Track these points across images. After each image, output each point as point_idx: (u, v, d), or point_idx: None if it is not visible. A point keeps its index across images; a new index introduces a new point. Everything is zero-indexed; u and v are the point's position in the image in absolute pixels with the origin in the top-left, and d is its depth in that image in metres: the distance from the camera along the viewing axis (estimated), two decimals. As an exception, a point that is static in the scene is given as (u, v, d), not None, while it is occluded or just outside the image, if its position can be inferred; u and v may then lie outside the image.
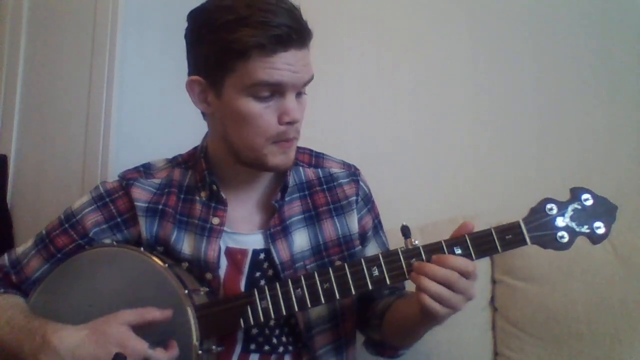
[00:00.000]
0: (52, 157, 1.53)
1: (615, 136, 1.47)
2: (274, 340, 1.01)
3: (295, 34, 0.89)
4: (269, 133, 0.93)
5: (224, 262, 1.01)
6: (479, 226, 1.43)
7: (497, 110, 1.60)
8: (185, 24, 0.98)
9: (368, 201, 1.13)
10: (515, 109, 1.58)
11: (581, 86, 1.52)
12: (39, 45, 1.59)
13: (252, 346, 1.00)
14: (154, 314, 0.88)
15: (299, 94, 0.96)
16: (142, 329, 0.88)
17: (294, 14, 0.90)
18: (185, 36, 0.98)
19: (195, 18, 0.95)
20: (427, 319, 0.89)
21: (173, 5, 1.64)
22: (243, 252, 1.02)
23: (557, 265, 1.31)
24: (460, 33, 1.66)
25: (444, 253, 0.87)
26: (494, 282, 1.42)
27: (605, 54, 1.50)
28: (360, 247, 1.09)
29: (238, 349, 0.99)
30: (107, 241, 1.03)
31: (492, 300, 1.42)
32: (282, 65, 0.89)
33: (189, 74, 0.98)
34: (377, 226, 1.14)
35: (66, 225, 1.03)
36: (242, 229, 1.03)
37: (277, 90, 0.91)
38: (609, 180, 1.45)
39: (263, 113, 0.92)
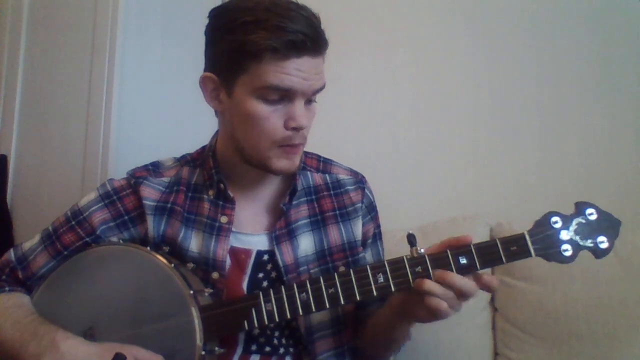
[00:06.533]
0: (52, 157, 1.53)
1: (615, 136, 1.48)
2: (275, 342, 1.01)
3: (311, 41, 0.89)
4: (274, 137, 0.93)
5: (227, 261, 1.01)
6: (478, 226, 1.45)
7: (497, 111, 1.61)
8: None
9: (372, 210, 1.13)
10: (515, 110, 1.59)
11: (581, 86, 1.52)
12: (39, 45, 1.58)
13: (253, 347, 1.00)
14: None
15: (308, 101, 0.96)
16: (145, 328, 0.90)
17: (312, 22, 0.91)
18: (205, 33, 0.99)
19: (216, 16, 0.96)
20: (410, 317, 0.93)
21: (173, 5, 1.64)
22: (247, 252, 1.02)
23: (557, 266, 1.30)
24: (460, 34, 1.66)
25: (449, 262, 0.87)
26: (494, 282, 1.42)
27: (605, 55, 1.50)
28: (363, 253, 1.09)
29: (239, 350, 0.99)
30: (114, 239, 1.03)
31: (492, 300, 1.42)
32: (293, 71, 0.89)
33: (205, 70, 0.99)
34: (376, 236, 1.14)
35: (73, 223, 1.03)
36: (247, 229, 1.04)
37: (286, 95, 0.92)
38: (609, 180, 1.46)
39: (270, 116, 0.92)
